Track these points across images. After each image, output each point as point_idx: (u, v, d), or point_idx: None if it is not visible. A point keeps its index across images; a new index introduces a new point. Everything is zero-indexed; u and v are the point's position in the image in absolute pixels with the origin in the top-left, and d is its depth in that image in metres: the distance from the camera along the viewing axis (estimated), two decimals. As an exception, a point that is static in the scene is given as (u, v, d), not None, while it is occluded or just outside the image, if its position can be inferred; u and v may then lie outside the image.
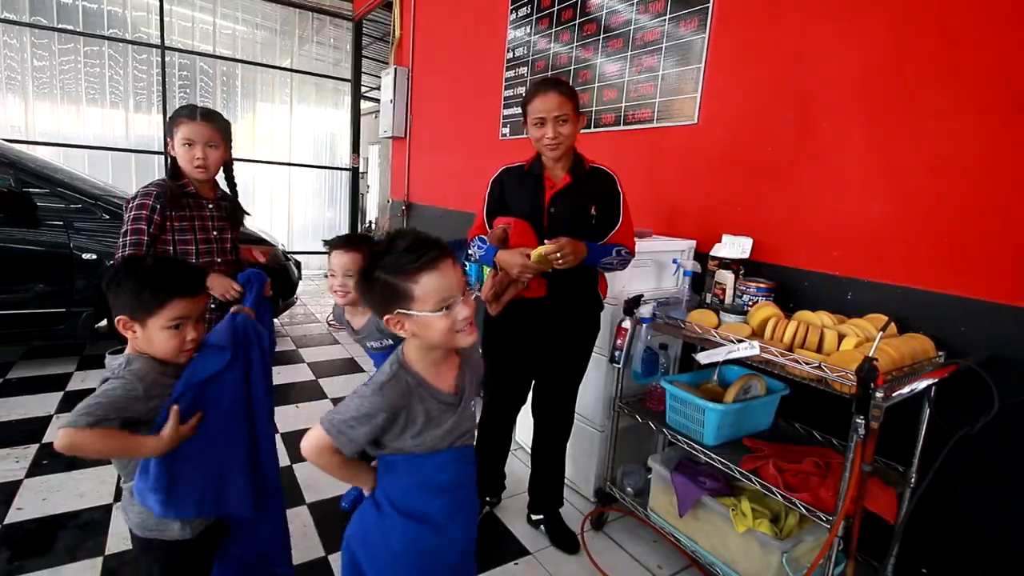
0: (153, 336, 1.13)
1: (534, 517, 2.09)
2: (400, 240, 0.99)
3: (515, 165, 1.88)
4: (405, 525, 1.07)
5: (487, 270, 1.91)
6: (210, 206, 1.85)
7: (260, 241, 3.95)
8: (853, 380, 1.30)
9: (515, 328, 1.85)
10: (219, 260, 1.85)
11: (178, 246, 1.76)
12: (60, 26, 5.21)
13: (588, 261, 1.72)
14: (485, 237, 1.83)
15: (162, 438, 1.09)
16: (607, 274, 1.91)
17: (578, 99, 1.76)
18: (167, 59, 5.72)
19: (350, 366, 3.75)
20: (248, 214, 2.03)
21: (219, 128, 1.79)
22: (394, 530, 1.07)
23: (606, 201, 1.79)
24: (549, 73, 3.33)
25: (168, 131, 1.77)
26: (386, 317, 1.01)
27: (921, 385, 1.41)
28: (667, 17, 2.53)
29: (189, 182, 1.80)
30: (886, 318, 1.48)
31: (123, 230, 1.67)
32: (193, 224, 1.78)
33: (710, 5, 2.32)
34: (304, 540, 1.91)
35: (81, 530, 1.88)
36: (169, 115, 1.82)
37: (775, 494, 1.53)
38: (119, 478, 1.23)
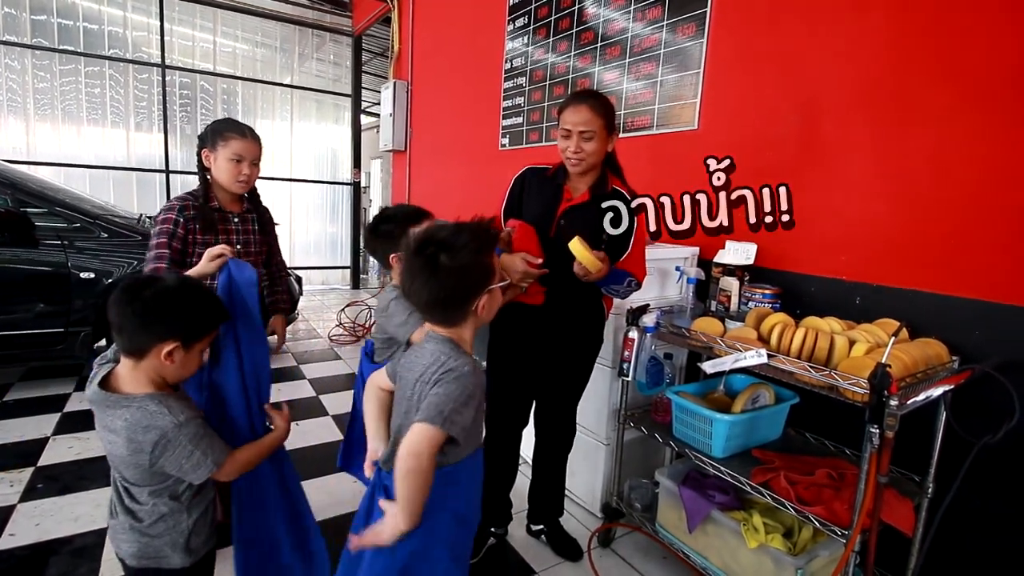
0: (191, 362, 1.14)
1: (534, 527, 2.05)
2: (470, 224, 1.08)
3: (541, 167, 1.85)
4: (457, 534, 1.12)
5: None
6: (236, 220, 1.84)
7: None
8: (866, 388, 1.25)
9: (515, 336, 1.82)
10: None
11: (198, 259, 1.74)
12: (61, 47, 5.26)
13: (598, 282, 1.68)
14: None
15: (279, 427, 1.32)
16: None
17: (612, 116, 1.69)
18: (168, 78, 5.76)
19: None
20: (277, 223, 2.03)
21: (261, 146, 1.84)
22: (445, 542, 1.09)
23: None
24: (548, 83, 3.32)
25: (208, 143, 1.75)
26: (483, 294, 1.07)
27: (936, 392, 1.36)
28: (664, 23, 2.51)
29: (214, 196, 1.79)
30: (896, 323, 1.43)
31: (150, 244, 1.69)
32: (216, 239, 1.76)
33: (707, 11, 2.31)
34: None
35: (74, 556, 1.83)
36: (209, 127, 1.79)
37: (787, 508, 1.48)
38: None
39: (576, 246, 1.53)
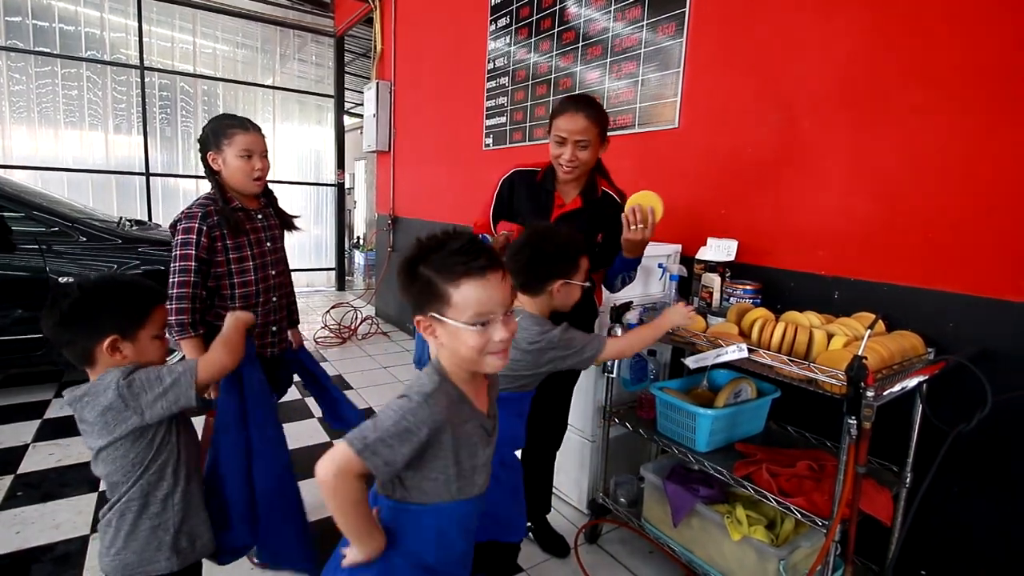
0: (146, 350, 1.15)
1: None
2: (454, 241, 0.91)
3: (528, 169, 1.83)
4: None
5: None
6: (259, 217, 1.77)
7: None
8: (843, 380, 1.28)
9: None
10: (274, 272, 1.79)
11: (233, 264, 1.67)
12: (37, 49, 5.16)
13: (618, 263, 1.70)
14: (488, 237, 1.80)
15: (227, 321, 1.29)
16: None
17: (606, 123, 1.67)
18: (147, 79, 5.67)
19: (339, 384, 3.69)
20: (297, 216, 1.95)
21: (264, 136, 1.76)
22: None
23: (613, 228, 1.74)
24: (530, 82, 3.33)
25: (212, 145, 1.67)
26: (417, 318, 0.93)
27: (912, 383, 1.39)
28: (644, 23, 2.53)
29: (233, 196, 1.71)
30: (874, 316, 1.46)
31: (172, 255, 1.60)
32: (248, 239, 1.70)
33: (686, 10, 2.33)
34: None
35: (56, 564, 1.80)
36: (206, 128, 1.70)
37: (769, 500, 1.50)
38: (96, 509, 1.18)
39: (647, 196, 1.55)
